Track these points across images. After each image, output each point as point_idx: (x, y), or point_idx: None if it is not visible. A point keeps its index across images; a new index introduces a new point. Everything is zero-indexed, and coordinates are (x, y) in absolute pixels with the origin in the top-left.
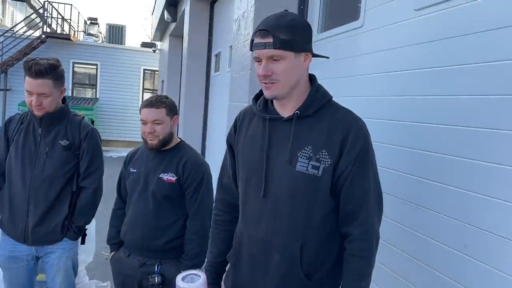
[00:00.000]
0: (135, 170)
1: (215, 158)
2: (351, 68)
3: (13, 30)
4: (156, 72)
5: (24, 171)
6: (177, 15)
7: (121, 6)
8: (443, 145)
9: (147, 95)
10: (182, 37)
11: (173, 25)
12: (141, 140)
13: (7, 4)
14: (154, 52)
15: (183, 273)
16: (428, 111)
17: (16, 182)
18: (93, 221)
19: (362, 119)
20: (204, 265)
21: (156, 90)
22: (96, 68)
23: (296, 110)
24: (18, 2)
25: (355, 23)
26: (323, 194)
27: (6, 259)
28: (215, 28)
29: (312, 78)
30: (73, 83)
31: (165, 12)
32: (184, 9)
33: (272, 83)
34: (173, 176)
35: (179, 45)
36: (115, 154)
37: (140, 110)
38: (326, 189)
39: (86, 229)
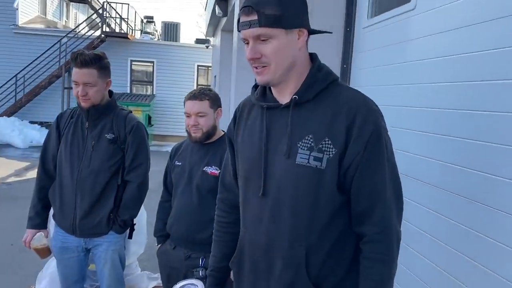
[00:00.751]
0: (180, 163)
1: None
2: (401, 54)
3: (75, 31)
4: (209, 68)
5: (72, 164)
6: (228, 10)
7: (176, 4)
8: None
9: None
10: (233, 32)
11: (224, 20)
12: None
13: (70, 7)
14: (207, 48)
15: (179, 284)
16: (491, 99)
17: (65, 175)
18: (144, 213)
19: (418, 108)
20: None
21: (210, 85)
22: (153, 65)
23: (294, 95)
24: (81, 4)
25: (407, 6)
26: (329, 189)
27: (58, 249)
28: None
29: (313, 58)
30: (131, 81)
31: (216, 7)
32: (234, 3)
33: (263, 66)
34: (217, 169)
35: (230, 39)
36: (170, 149)
37: (184, 103)
38: (332, 183)
39: (134, 223)
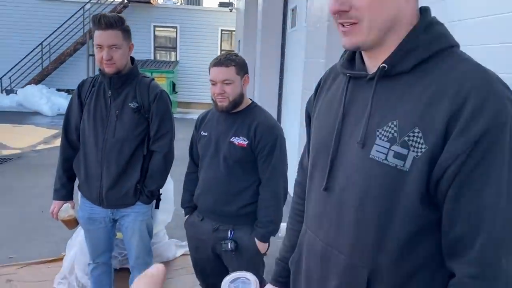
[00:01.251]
0: (206, 134)
1: (290, 121)
2: None
3: None
4: (233, 32)
5: (96, 134)
6: None
7: None
8: None
9: None
10: None
11: None
12: None
13: None
14: (231, 11)
15: (232, 275)
16: None
17: (89, 145)
18: (171, 182)
19: None
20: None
21: (234, 50)
22: (176, 31)
23: (382, 63)
24: None
25: None
26: (410, 200)
27: (86, 220)
28: None
29: (422, 13)
30: (155, 47)
31: None
32: None
33: (352, 24)
34: (244, 140)
35: (255, 1)
36: (195, 117)
37: (209, 70)
38: (416, 193)
39: (161, 193)
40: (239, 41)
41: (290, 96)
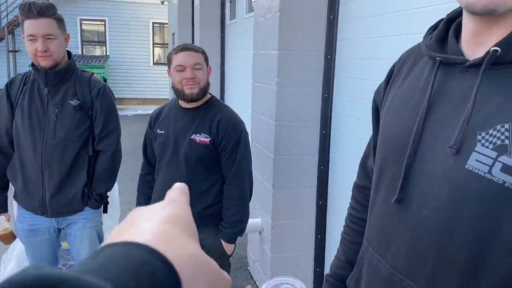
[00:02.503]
0: (163, 132)
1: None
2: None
3: None
4: (165, 25)
5: (33, 137)
6: None
7: None
8: None
9: (158, 50)
10: None
11: None
12: (156, 97)
13: None
14: (162, 3)
15: (275, 280)
16: None
17: (26, 150)
18: (116, 185)
19: None
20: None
21: (167, 44)
22: (105, 24)
23: (493, 46)
24: None
25: None
26: None
27: (26, 232)
28: None
29: None
30: (82, 41)
31: None
32: None
33: None
34: (206, 137)
35: None
36: (130, 112)
37: (170, 58)
38: None
39: (108, 196)
40: (173, 34)
41: (233, 89)
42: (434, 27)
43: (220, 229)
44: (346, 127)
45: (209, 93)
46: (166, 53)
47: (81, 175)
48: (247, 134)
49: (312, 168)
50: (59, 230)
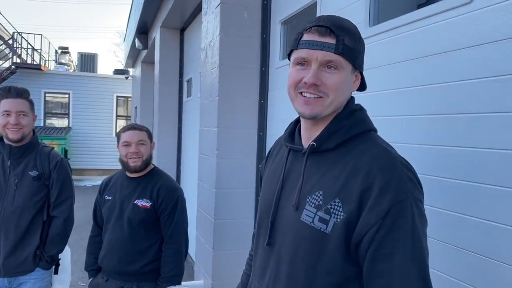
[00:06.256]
0: (110, 198)
1: (189, 183)
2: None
3: None
4: (129, 99)
5: None
6: (148, 43)
7: (93, 34)
8: None
9: (121, 122)
10: (154, 64)
11: (144, 52)
12: (116, 168)
13: None
14: (126, 79)
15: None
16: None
17: None
18: (68, 251)
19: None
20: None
21: (130, 116)
22: (69, 97)
23: (312, 141)
24: None
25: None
26: (332, 259)
27: None
28: (186, 54)
29: (349, 101)
30: (45, 113)
31: (136, 40)
32: (155, 37)
33: (318, 97)
34: (147, 202)
35: (151, 71)
36: (89, 183)
37: (119, 135)
38: (337, 253)
39: (59, 258)
40: (135, 107)
41: (188, 159)
42: (288, 126)
43: (158, 283)
44: None
45: (152, 164)
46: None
47: (34, 238)
48: (184, 199)
49: (249, 230)
50: None
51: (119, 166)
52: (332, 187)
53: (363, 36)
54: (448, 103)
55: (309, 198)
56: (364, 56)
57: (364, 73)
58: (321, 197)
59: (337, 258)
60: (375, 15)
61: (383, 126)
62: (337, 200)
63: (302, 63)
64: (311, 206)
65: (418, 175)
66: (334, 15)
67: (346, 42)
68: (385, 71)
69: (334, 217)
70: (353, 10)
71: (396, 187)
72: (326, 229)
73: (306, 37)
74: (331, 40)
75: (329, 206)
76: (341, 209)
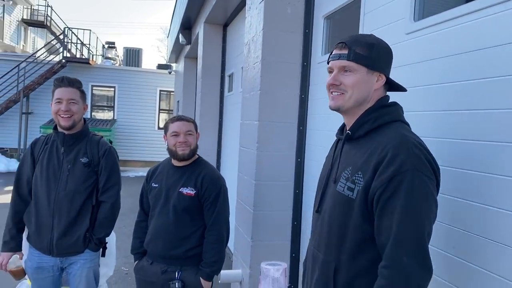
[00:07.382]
0: (157, 185)
1: (229, 174)
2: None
3: (35, 56)
4: (171, 93)
5: (48, 187)
6: (192, 38)
7: (138, 30)
8: None
9: (163, 115)
10: (197, 59)
11: (187, 47)
12: (157, 160)
13: (28, 31)
14: (169, 73)
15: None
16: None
17: (41, 198)
18: (114, 237)
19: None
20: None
21: (172, 110)
22: (114, 90)
23: (348, 130)
24: (39, 29)
25: None
26: (356, 218)
27: (34, 270)
28: (228, 50)
29: (382, 99)
30: (92, 105)
31: (180, 36)
32: (198, 32)
33: (340, 94)
34: (192, 190)
35: (194, 66)
36: (132, 174)
37: (167, 126)
38: (359, 214)
39: (107, 242)
40: (178, 101)
41: (228, 153)
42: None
43: (200, 268)
44: (315, 187)
45: (197, 154)
46: None
47: (85, 221)
48: (226, 188)
49: (287, 222)
50: (62, 269)
51: (161, 159)
52: (357, 163)
53: (407, 31)
54: (490, 98)
55: (344, 173)
56: (393, 57)
57: (409, 66)
58: (349, 172)
59: (358, 219)
60: (420, 10)
61: (429, 121)
62: (359, 173)
63: (330, 71)
64: (343, 179)
65: None
66: (359, 34)
67: (358, 51)
68: (442, 64)
69: (357, 186)
70: (397, 4)
71: (402, 160)
72: (352, 195)
73: (333, 52)
74: (345, 51)
75: (354, 178)
76: (362, 179)
